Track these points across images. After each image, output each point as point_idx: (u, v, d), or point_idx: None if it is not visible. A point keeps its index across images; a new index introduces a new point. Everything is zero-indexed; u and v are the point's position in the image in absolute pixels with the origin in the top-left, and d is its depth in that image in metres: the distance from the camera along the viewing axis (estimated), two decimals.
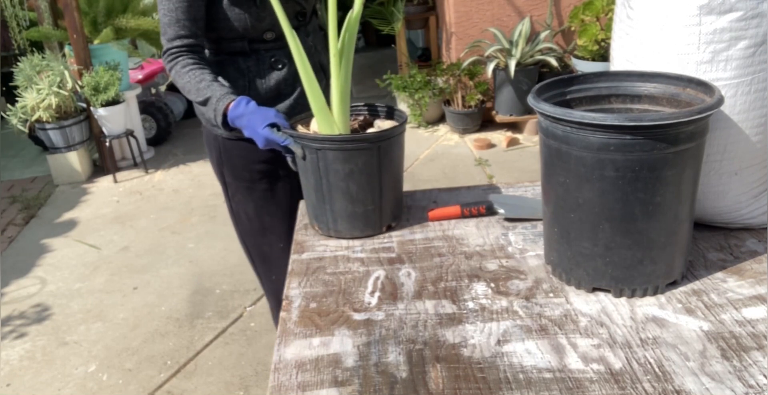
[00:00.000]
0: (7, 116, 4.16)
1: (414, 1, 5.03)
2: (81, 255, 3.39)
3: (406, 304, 1.10)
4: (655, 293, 1.07)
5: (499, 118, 4.40)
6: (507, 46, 4.09)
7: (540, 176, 1.13)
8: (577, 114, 0.99)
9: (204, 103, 1.45)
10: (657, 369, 0.90)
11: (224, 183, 1.72)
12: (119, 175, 4.41)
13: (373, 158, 1.27)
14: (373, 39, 7.11)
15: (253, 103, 1.39)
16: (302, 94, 1.51)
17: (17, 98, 4.15)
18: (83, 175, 4.38)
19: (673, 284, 1.09)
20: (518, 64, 4.01)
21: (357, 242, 1.32)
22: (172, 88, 5.31)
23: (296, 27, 1.55)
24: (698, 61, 1.08)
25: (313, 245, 1.32)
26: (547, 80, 1.15)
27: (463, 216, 1.38)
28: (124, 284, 3.08)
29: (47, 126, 4.18)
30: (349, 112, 1.34)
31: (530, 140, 4.38)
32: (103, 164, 4.46)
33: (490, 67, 4.12)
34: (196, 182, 4.22)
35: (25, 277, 3.23)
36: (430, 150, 4.37)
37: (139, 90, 4.65)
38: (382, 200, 1.32)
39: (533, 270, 1.17)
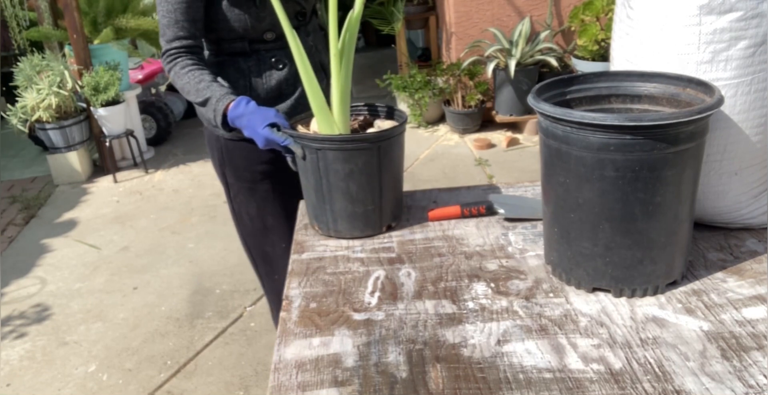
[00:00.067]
0: (7, 116, 4.16)
1: (414, 1, 5.03)
2: (81, 255, 3.39)
3: (406, 304, 1.10)
4: (655, 293, 1.07)
5: (499, 118, 4.40)
6: (507, 46, 4.09)
7: (540, 176, 1.13)
8: (577, 114, 0.99)
9: (203, 103, 1.45)
10: (657, 369, 0.90)
11: (226, 184, 1.72)
12: (119, 175, 4.41)
13: (373, 158, 1.27)
14: (373, 39, 7.11)
15: (253, 103, 1.39)
16: (303, 95, 1.51)
17: (17, 98, 4.15)
18: (83, 175, 4.38)
19: (673, 284, 1.09)
20: (518, 64, 4.01)
21: (357, 242, 1.32)
22: (172, 88, 5.31)
23: (296, 27, 1.55)
24: (698, 61, 1.08)
25: (313, 245, 1.32)
26: (547, 80, 1.15)
27: (463, 216, 1.38)
28: (124, 284, 3.08)
29: (47, 126, 4.18)
30: (349, 112, 1.34)
31: (530, 140, 4.38)
32: (103, 164, 4.46)
33: (490, 67, 4.12)
34: (196, 182, 4.22)
35: (25, 277, 3.23)
36: (430, 150, 4.37)
37: (139, 90, 4.65)
38: (382, 200, 1.32)
39: (533, 270, 1.17)
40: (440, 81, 4.49)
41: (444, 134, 4.62)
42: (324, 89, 1.33)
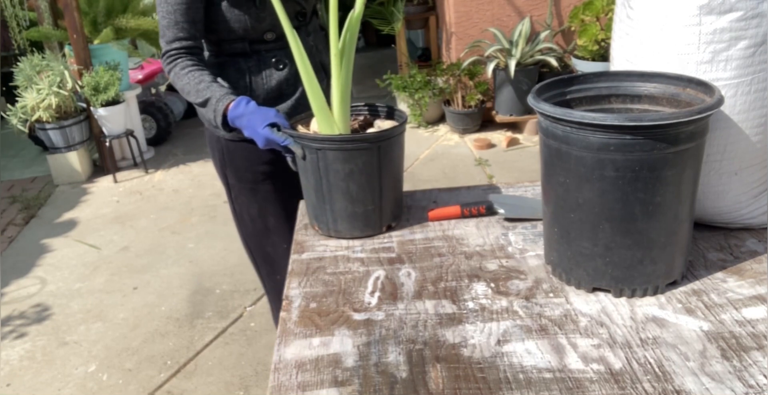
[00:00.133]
0: (7, 116, 4.16)
1: (414, 1, 5.03)
2: (81, 255, 3.39)
3: (406, 304, 1.10)
4: (655, 293, 1.07)
5: (499, 118, 4.40)
6: (507, 46, 4.09)
7: (540, 176, 1.13)
8: (577, 114, 0.99)
9: (203, 104, 1.45)
10: (657, 369, 0.90)
11: (227, 185, 1.72)
12: (119, 175, 4.41)
13: (373, 158, 1.27)
14: (373, 39, 7.11)
15: (253, 103, 1.39)
16: (304, 95, 1.51)
17: (17, 98, 4.15)
18: (83, 175, 4.38)
19: (673, 284, 1.09)
20: (518, 64, 4.01)
21: (357, 242, 1.32)
22: (172, 88, 5.31)
23: (297, 27, 1.55)
24: (698, 61, 1.08)
25: (313, 245, 1.32)
26: (547, 80, 1.15)
27: (463, 216, 1.38)
28: (124, 284, 3.08)
29: (47, 126, 4.18)
30: (349, 112, 1.34)
31: (530, 140, 4.38)
32: (103, 164, 4.46)
33: (490, 67, 4.12)
34: (196, 182, 4.22)
35: (25, 277, 3.23)
36: (430, 150, 4.37)
37: (139, 90, 4.65)
38: (382, 200, 1.32)
39: (533, 270, 1.17)
40: (440, 81, 4.49)
41: (444, 134, 4.62)
42: (324, 89, 1.33)
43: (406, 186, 1.44)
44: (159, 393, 2.34)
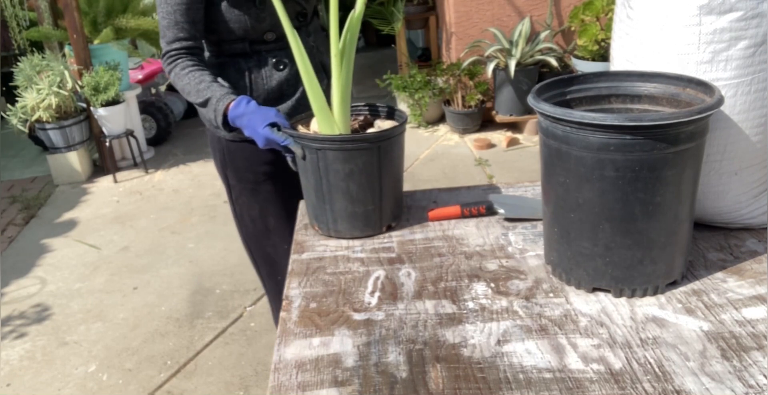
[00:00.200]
0: (7, 116, 4.16)
1: (414, 1, 5.03)
2: (81, 255, 3.39)
3: (406, 304, 1.10)
4: (655, 293, 1.07)
5: (499, 118, 4.40)
6: (507, 46, 4.09)
7: (540, 176, 1.13)
8: (577, 114, 0.99)
9: (204, 104, 1.45)
10: (657, 369, 0.90)
11: (228, 185, 1.72)
12: (119, 175, 4.41)
13: (373, 158, 1.27)
14: (373, 39, 7.11)
15: (253, 102, 1.39)
16: (304, 95, 1.51)
17: (17, 98, 4.15)
18: (83, 175, 4.38)
19: (673, 284, 1.09)
20: (518, 64, 4.01)
21: (357, 242, 1.32)
22: (172, 88, 5.31)
23: (297, 27, 1.55)
24: (698, 61, 1.08)
25: (313, 245, 1.32)
26: (547, 80, 1.15)
27: (463, 216, 1.38)
28: (124, 284, 3.08)
29: (47, 126, 4.18)
30: (349, 112, 1.34)
31: (530, 140, 4.38)
32: (103, 164, 4.46)
33: (490, 67, 4.12)
34: (196, 182, 4.22)
35: (25, 277, 3.23)
36: (430, 150, 4.37)
37: (139, 90, 4.65)
38: (382, 200, 1.32)
39: (533, 270, 1.17)
40: (440, 81, 4.49)
41: (444, 134, 4.62)
42: (324, 90, 1.33)
43: (406, 186, 1.44)
44: (159, 393, 2.34)
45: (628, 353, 0.94)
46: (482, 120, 4.56)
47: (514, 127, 4.55)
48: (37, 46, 5.09)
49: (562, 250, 1.11)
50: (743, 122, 1.10)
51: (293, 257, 1.28)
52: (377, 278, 1.18)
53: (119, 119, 4.26)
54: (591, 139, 0.98)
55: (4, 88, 5.48)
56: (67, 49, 4.52)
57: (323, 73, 1.64)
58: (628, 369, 0.91)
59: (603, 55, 3.96)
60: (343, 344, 1.01)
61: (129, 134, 4.35)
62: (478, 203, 1.38)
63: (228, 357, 2.50)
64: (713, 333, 0.97)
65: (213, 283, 3.01)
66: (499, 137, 4.43)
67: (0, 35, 5.60)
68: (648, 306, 1.05)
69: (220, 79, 1.49)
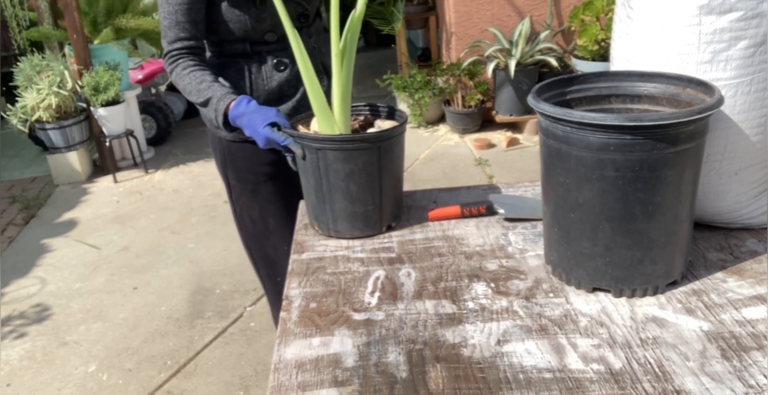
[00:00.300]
0: (7, 116, 4.16)
1: (414, 1, 5.04)
2: (81, 255, 3.39)
3: (406, 304, 1.10)
4: (655, 293, 1.07)
5: (499, 118, 4.40)
6: (507, 46, 4.09)
7: (540, 176, 1.13)
8: (577, 114, 0.99)
9: (205, 104, 1.45)
10: (657, 369, 0.90)
11: (228, 185, 1.72)
12: (119, 175, 4.41)
13: (374, 158, 1.27)
14: (373, 39, 7.11)
15: (254, 102, 1.39)
16: (305, 96, 1.51)
17: (17, 98, 4.15)
18: (83, 175, 4.38)
19: (673, 284, 1.09)
20: (518, 64, 4.01)
21: (357, 242, 1.32)
22: (172, 88, 5.31)
23: (298, 28, 1.55)
24: (698, 61, 1.08)
25: (313, 245, 1.32)
26: (547, 80, 1.15)
27: (463, 216, 1.38)
28: (124, 284, 3.08)
29: (47, 126, 4.18)
30: (350, 112, 1.34)
31: (530, 140, 4.38)
32: (103, 164, 4.46)
33: (490, 67, 4.12)
34: (196, 182, 4.22)
35: (25, 277, 3.23)
36: (430, 150, 4.37)
37: (139, 90, 4.65)
38: (382, 200, 1.32)
39: (533, 270, 1.17)
40: (440, 81, 4.49)
41: (444, 134, 4.62)
42: (325, 90, 1.33)
43: (406, 186, 1.44)
44: (159, 393, 2.34)
45: (628, 353, 0.94)
46: (482, 120, 4.56)
47: (514, 127, 4.55)
48: (37, 46, 5.09)
49: (562, 250, 1.11)
50: (743, 122, 1.10)
51: (293, 257, 1.28)
52: (377, 278, 1.18)
53: (119, 119, 4.26)
54: (591, 139, 0.98)
55: (4, 88, 5.48)
56: (67, 49, 4.52)
57: (324, 74, 1.64)
58: (628, 369, 0.91)
59: (603, 55, 3.96)
60: (343, 344, 1.01)
61: (129, 134, 4.35)
62: (478, 203, 1.38)
63: (228, 357, 2.50)
64: (713, 333, 0.97)
65: (213, 283, 3.01)
66: (499, 137, 4.43)
67: (0, 35, 5.60)
68: (648, 306, 1.05)
69: (221, 79, 1.49)
